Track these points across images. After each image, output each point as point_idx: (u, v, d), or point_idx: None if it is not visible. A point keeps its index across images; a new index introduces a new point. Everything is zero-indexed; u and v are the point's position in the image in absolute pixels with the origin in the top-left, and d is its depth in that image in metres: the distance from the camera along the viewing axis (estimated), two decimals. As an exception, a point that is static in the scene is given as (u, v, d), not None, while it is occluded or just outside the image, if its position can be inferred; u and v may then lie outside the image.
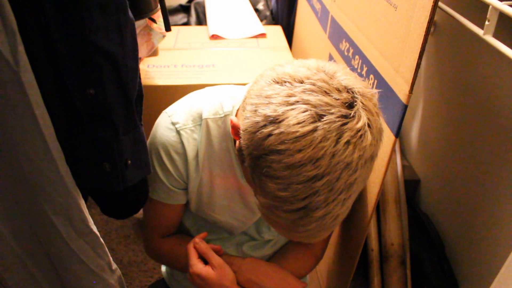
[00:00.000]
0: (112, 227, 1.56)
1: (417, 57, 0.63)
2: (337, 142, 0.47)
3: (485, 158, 1.06)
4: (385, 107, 0.67)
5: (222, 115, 0.70)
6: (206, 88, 0.76)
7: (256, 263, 0.79)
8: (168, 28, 1.08)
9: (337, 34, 1.04)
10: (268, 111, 0.49)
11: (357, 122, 0.48)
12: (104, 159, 0.59)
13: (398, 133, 0.70)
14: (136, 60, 0.57)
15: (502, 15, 0.70)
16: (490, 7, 0.70)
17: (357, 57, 0.89)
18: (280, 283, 0.79)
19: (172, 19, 1.83)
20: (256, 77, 0.57)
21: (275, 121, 0.48)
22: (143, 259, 1.45)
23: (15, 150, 0.52)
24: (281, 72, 0.53)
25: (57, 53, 0.51)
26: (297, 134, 0.47)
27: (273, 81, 0.52)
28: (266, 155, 0.49)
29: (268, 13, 1.85)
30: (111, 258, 0.68)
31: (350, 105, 0.49)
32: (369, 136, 0.49)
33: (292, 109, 0.48)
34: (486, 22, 0.72)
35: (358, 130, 0.48)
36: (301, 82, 0.50)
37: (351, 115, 0.48)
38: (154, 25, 1.01)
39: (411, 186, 1.38)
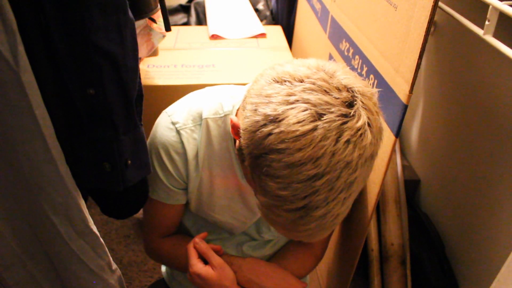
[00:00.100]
0: (112, 227, 1.56)
1: (417, 57, 0.63)
2: (337, 141, 0.47)
3: (485, 158, 1.06)
4: (385, 107, 0.67)
5: (222, 115, 0.70)
6: (206, 88, 0.76)
7: (256, 263, 0.79)
8: (168, 28, 1.08)
9: (337, 34, 1.04)
10: (268, 110, 0.49)
11: (357, 121, 0.48)
12: (104, 159, 0.59)
13: (398, 133, 0.70)
14: (136, 60, 0.57)
15: (502, 15, 0.70)
16: (490, 7, 0.71)
17: (357, 57, 0.89)
18: (280, 283, 0.79)
19: (172, 19, 1.83)
20: (256, 77, 0.57)
21: (275, 120, 0.48)
22: (143, 259, 1.45)
23: (15, 150, 0.52)
24: (281, 71, 0.53)
25: (57, 53, 0.51)
26: (297, 133, 0.47)
27: (273, 80, 0.52)
28: (266, 154, 0.49)
29: (268, 13, 1.85)
30: (111, 258, 0.68)
31: (350, 104, 0.49)
32: (369, 135, 0.49)
33: (292, 108, 0.48)
34: (486, 22, 0.72)
35: (358, 129, 0.48)
36: (301, 81, 0.50)
37: (351, 114, 0.48)
38: (154, 25, 1.01)
39: (411, 186, 1.38)
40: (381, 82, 0.76)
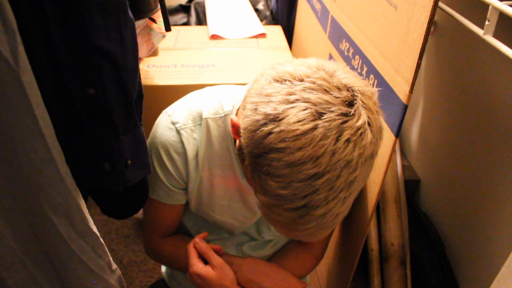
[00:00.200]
0: (112, 227, 1.56)
1: (417, 57, 0.63)
2: (337, 140, 0.47)
3: (485, 158, 1.06)
4: (385, 107, 0.67)
5: (222, 115, 0.70)
6: (206, 88, 0.76)
7: (256, 263, 0.79)
8: (168, 28, 1.08)
9: (337, 34, 1.04)
10: (269, 109, 0.49)
11: (357, 120, 0.48)
12: (104, 159, 0.59)
13: (398, 133, 0.70)
14: (136, 60, 0.57)
15: (502, 15, 0.70)
16: (490, 7, 0.71)
17: (357, 57, 0.89)
18: (280, 283, 0.79)
19: (172, 19, 1.83)
20: (256, 76, 0.57)
21: (275, 119, 0.48)
22: (143, 259, 1.45)
23: (15, 150, 0.52)
24: (281, 70, 0.53)
25: (57, 53, 0.51)
26: (297, 132, 0.47)
27: (273, 80, 0.52)
28: (266, 153, 0.49)
29: (268, 13, 1.85)
30: (111, 258, 0.68)
31: (350, 103, 0.49)
32: (369, 134, 0.49)
33: (292, 107, 0.48)
34: (486, 22, 0.72)
35: (358, 128, 0.48)
36: (301, 80, 0.50)
37: (351, 113, 0.48)
38: (154, 25, 1.01)
39: (411, 186, 1.38)
40: (381, 82, 0.76)
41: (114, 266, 0.69)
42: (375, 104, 0.52)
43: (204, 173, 0.72)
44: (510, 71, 0.95)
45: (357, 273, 0.99)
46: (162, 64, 1.31)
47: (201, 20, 1.82)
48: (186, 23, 1.84)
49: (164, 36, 1.07)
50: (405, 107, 0.67)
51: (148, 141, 0.72)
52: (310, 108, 0.48)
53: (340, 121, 0.47)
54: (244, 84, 0.74)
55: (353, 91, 0.50)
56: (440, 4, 0.89)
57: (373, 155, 0.51)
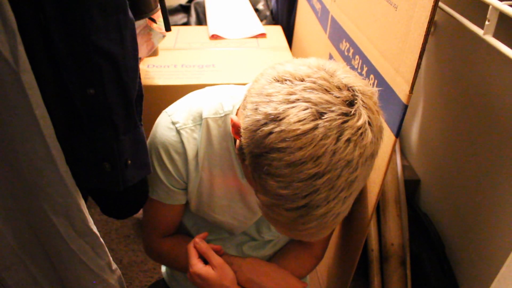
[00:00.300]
0: (112, 227, 1.56)
1: (418, 57, 0.63)
2: (337, 140, 0.47)
3: (485, 158, 1.06)
4: (385, 107, 0.67)
5: (222, 115, 0.70)
6: (206, 88, 0.76)
7: (256, 263, 0.79)
8: (168, 28, 1.08)
9: (337, 34, 1.04)
10: (269, 109, 0.49)
11: (357, 120, 0.48)
12: (104, 159, 0.59)
13: (398, 133, 0.70)
14: (136, 60, 0.57)
15: (502, 15, 0.70)
16: (490, 7, 0.71)
17: (357, 57, 0.89)
18: (280, 283, 0.79)
19: (172, 19, 1.83)
20: (256, 76, 0.57)
21: (276, 119, 0.48)
22: (143, 259, 1.45)
23: (15, 150, 0.52)
24: (282, 70, 0.53)
25: (57, 53, 0.51)
26: (298, 132, 0.47)
27: (274, 80, 0.52)
28: (267, 153, 0.49)
29: (268, 13, 1.85)
30: (111, 258, 0.68)
31: (351, 103, 0.49)
32: (369, 134, 0.49)
33: (293, 107, 0.48)
34: (486, 22, 0.72)
35: (359, 128, 0.48)
36: (302, 80, 0.50)
37: (352, 113, 0.48)
38: (154, 25, 1.01)
39: (411, 186, 1.38)
40: (381, 82, 0.76)
41: (114, 266, 0.69)
42: (375, 104, 0.52)
43: (204, 173, 0.72)
44: (510, 71, 0.95)
45: (357, 273, 0.99)
46: (162, 64, 1.31)
47: (201, 20, 1.82)
48: (186, 23, 1.84)
49: (164, 36, 1.07)
50: (405, 107, 0.67)
51: (148, 141, 0.72)
52: (311, 108, 0.48)
53: (340, 120, 0.47)
54: (244, 84, 0.74)
55: (353, 91, 0.50)
56: (440, 4, 0.89)
57: (373, 155, 0.51)
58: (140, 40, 1.02)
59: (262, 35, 1.54)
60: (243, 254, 0.82)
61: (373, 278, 1.21)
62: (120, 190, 0.62)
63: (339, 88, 0.50)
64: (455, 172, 1.20)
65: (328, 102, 0.48)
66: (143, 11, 0.82)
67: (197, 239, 0.76)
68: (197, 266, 0.73)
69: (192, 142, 0.70)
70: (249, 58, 1.39)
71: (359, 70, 0.87)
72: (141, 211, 0.77)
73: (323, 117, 0.47)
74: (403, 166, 1.36)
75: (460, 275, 1.19)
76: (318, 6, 1.27)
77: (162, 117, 0.73)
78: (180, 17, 1.87)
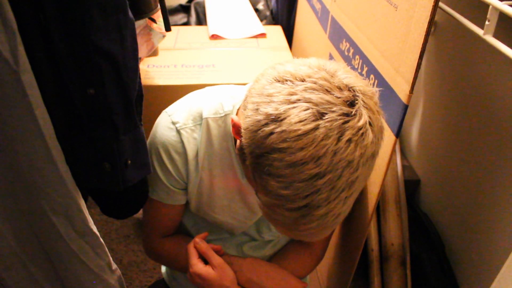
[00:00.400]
0: (112, 227, 1.56)
1: (418, 57, 0.63)
2: (338, 140, 0.47)
3: (485, 158, 1.06)
4: (385, 107, 0.67)
5: (223, 115, 0.70)
6: (206, 88, 0.76)
7: (256, 263, 0.79)
8: (168, 28, 1.08)
9: (338, 34, 1.04)
10: (270, 109, 0.49)
11: (358, 120, 0.48)
12: (104, 159, 0.59)
13: (398, 133, 0.70)
14: (136, 60, 0.57)
15: (502, 15, 0.70)
16: (490, 7, 0.71)
17: (357, 57, 0.89)
18: (281, 283, 0.79)
19: (172, 19, 1.83)
20: (257, 76, 0.57)
21: (276, 119, 0.48)
22: (143, 259, 1.45)
23: (15, 150, 0.52)
24: (283, 70, 0.53)
25: (57, 53, 0.51)
26: (299, 132, 0.47)
27: (275, 80, 0.52)
28: (268, 153, 0.49)
29: (268, 13, 1.85)
30: (111, 258, 0.68)
31: (351, 103, 0.49)
32: (370, 134, 0.49)
33: (294, 107, 0.48)
34: (486, 22, 0.72)
35: (360, 128, 0.48)
36: (303, 80, 0.50)
37: (353, 113, 0.48)
38: (154, 25, 1.01)
39: (411, 186, 1.38)
40: (381, 82, 0.76)
41: (114, 266, 0.69)
42: (376, 104, 0.52)
43: (204, 173, 0.72)
44: (510, 71, 0.95)
45: (357, 273, 0.99)
46: (162, 64, 1.31)
47: (201, 20, 1.82)
48: (186, 23, 1.84)
49: (164, 36, 1.07)
50: (406, 107, 0.67)
51: (148, 141, 0.72)
52: (312, 108, 0.48)
53: (341, 121, 0.47)
54: (244, 84, 0.74)
55: (354, 91, 0.50)
56: (440, 4, 0.89)
57: (374, 155, 0.51)
58: (140, 40, 1.02)
59: (262, 35, 1.54)
60: (243, 254, 0.82)
61: (373, 278, 1.21)
62: (120, 190, 0.62)
63: (340, 89, 0.50)
64: (455, 172, 1.20)
65: (329, 102, 0.48)
66: (143, 11, 0.82)
67: (197, 239, 0.75)
68: (197, 266, 0.73)
69: (192, 142, 0.70)
70: (249, 58, 1.39)
71: (359, 70, 0.87)
72: (141, 211, 0.77)
73: (324, 118, 0.47)
74: (403, 166, 1.36)
75: (460, 275, 1.19)
76: (318, 6, 1.27)
77: (162, 117, 0.73)
78: (180, 17, 1.87)
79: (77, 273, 0.64)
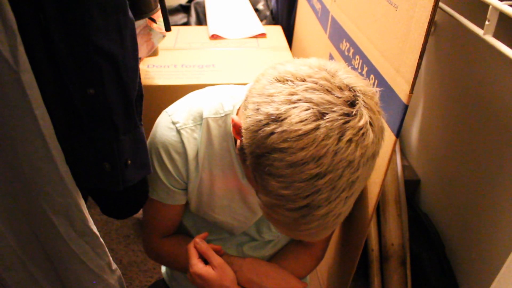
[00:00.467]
0: (112, 227, 1.56)
1: (418, 57, 0.63)
2: (339, 140, 0.47)
3: (485, 158, 1.06)
4: (385, 107, 0.67)
5: (223, 115, 0.70)
6: (207, 88, 0.76)
7: (256, 263, 0.79)
8: (168, 28, 1.08)
9: (338, 34, 1.04)
10: (271, 109, 0.49)
11: (359, 120, 0.48)
12: (104, 159, 0.59)
13: (398, 133, 0.70)
14: (136, 60, 0.57)
15: (502, 15, 0.70)
16: (490, 7, 0.71)
17: (357, 57, 0.89)
18: (281, 283, 0.79)
19: (172, 19, 1.83)
20: (257, 76, 0.57)
21: (277, 119, 0.48)
22: (143, 259, 1.45)
23: (15, 150, 0.52)
24: (283, 70, 0.53)
25: (57, 53, 0.51)
26: (300, 132, 0.47)
27: (275, 80, 0.52)
28: (269, 153, 0.49)
29: (268, 13, 1.85)
30: (111, 258, 0.68)
31: (352, 104, 0.49)
32: (371, 134, 0.49)
33: (295, 107, 0.48)
34: (486, 22, 0.72)
35: (360, 128, 0.48)
36: (303, 80, 0.50)
37: (353, 113, 0.48)
38: (154, 25, 1.01)
39: (411, 186, 1.38)
40: (381, 82, 0.76)
41: (114, 266, 0.69)
42: (376, 104, 0.52)
43: (204, 173, 0.72)
44: (510, 71, 0.95)
45: (357, 273, 0.99)
46: (162, 64, 1.31)
47: (201, 20, 1.82)
48: (186, 23, 1.84)
49: (164, 36, 1.07)
50: (406, 107, 0.67)
51: (148, 141, 0.72)
52: (312, 108, 0.48)
53: (342, 121, 0.47)
54: (244, 84, 0.74)
55: (354, 91, 0.50)
56: (440, 4, 0.89)
57: (374, 155, 0.51)
58: (140, 40, 1.02)
59: (262, 35, 1.54)
60: (243, 254, 0.82)
61: (373, 278, 1.21)
62: (120, 190, 0.62)
63: (340, 89, 0.50)
64: (455, 172, 1.20)
65: (329, 102, 0.48)
66: (143, 11, 0.82)
67: (197, 239, 0.75)
68: (197, 266, 0.73)
69: (192, 142, 0.70)
70: (249, 58, 1.39)
71: (359, 70, 0.87)
72: (141, 211, 0.77)
73: (324, 118, 0.47)
74: (403, 166, 1.36)
75: (460, 275, 1.19)
76: (318, 6, 1.27)
77: (162, 117, 0.73)
78: (180, 17, 1.87)
79: (77, 273, 0.64)
